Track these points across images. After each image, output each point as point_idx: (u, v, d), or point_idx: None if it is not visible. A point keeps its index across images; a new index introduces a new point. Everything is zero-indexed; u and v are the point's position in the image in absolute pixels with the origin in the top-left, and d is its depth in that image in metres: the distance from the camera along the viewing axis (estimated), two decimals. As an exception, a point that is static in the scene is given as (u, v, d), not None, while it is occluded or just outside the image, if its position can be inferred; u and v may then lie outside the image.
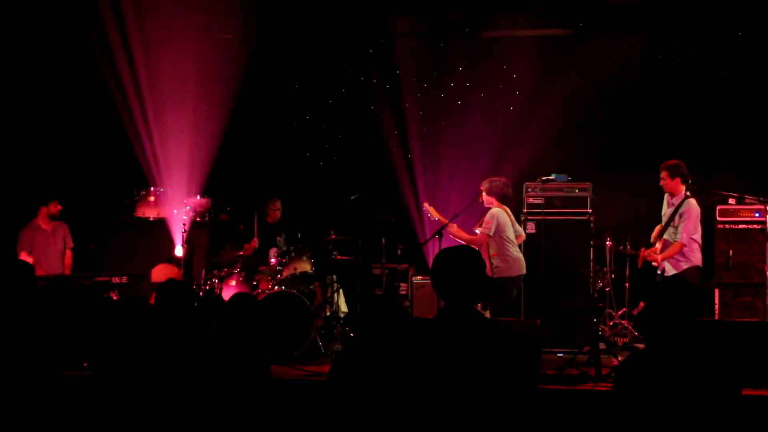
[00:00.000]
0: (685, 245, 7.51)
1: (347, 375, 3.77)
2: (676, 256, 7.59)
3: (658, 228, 7.84)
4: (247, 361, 4.16)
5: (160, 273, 6.34)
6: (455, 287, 3.45)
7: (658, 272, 7.78)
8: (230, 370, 4.11)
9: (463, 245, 3.63)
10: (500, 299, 8.03)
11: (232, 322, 4.26)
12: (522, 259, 8.12)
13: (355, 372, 3.70)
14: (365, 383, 3.62)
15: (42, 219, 8.97)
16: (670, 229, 7.65)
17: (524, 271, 8.12)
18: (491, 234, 7.90)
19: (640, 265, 7.85)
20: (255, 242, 9.23)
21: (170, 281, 4.71)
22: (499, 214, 8.00)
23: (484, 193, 8.08)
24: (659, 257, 7.60)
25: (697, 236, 7.62)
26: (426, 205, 8.33)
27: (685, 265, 7.57)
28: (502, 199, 8.06)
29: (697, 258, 7.62)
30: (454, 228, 8.08)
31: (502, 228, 7.95)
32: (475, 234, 8.11)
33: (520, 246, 8.17)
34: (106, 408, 4.17)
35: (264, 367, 4.27)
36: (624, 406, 3.50)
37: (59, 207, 8.99)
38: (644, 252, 7.79)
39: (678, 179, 7.61)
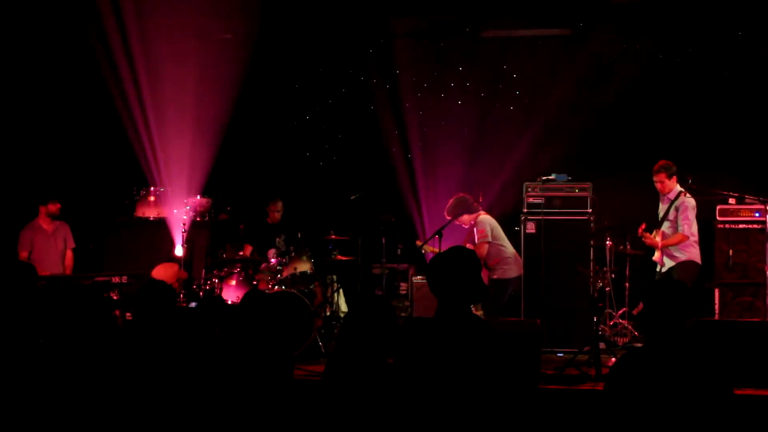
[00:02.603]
0: (687, 237, 7.59)
1: (342, 376, 3.76)
2: (673, 251, 7.66)
3: (641, 228, 7.88)
4: (265, 362, 4.12)
5: (160, 273, 6.32)
6: (451, 288, 3.48)
7: (657, 269, 7.82)
8: (247, 371, 4.08)
9: (457, 247, 3.68)
10: (497, 301, 8.09)
11: (246, 322, 4.23)
12: (520, 259, 8.21)
13: (349, 373, 3.70)
14: (360, 384, 3.62)
15: (43, 219, 8.95)
16: (666, 224, 7.74)
17: (522, 272, 8.21)
18: (490, 239, 8.00)
19: (640, 233, 7.85)
20: (247, 250, 9.15)
21: (150, 281, 4.72)
22: (488, 219, 8.13)
23: (455, 217, 8.13)
24: (660, 243, 7.66)
25: (695, 231, 7.70)
26: (418, 243, 8.63)
27: (682, 258, 7.64)
28: (476, 209, 8.15)
29: (692, 253, 7.70)
30: None
31: (496, 232, 8.09)
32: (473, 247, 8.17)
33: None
34: (106, 408, 4.18)
35: (285, 367, 4.23)
36: (616, 404, 3.51)
37: (58, 206, 8.96)
38: (642, 230, 7.80)
39: (674, 178, 7.82)
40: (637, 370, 3.51)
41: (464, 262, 3.53)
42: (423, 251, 8.47)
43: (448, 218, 8.18)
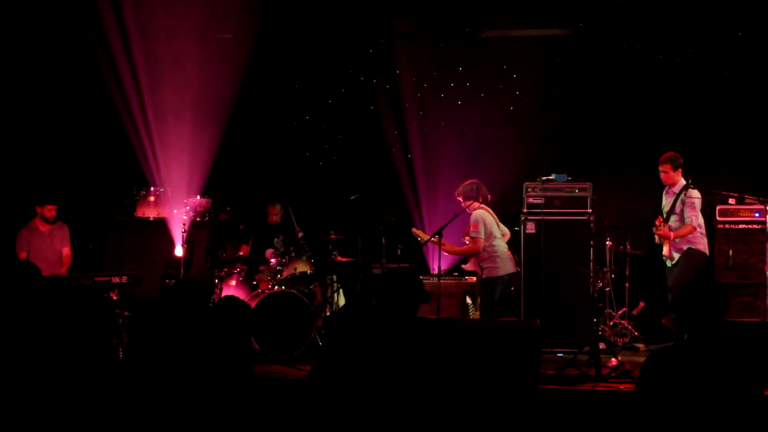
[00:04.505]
0: (695, 228, 7.62)
1: (321, 379, 3.83)
2: (683, 245, 7.67)
3: (659, 219, 7.85)
4: (229, 363, 4.13)
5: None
6: (397, 307, 3.94)
7: (668, 265, 7.82)
8: (212, 372, 4.09)
9: (402, 267, 4.11)
10: (488, 299, 8.12)
11: (220, 325, 4.24)
12: (511, 257, 8.24)
13: (327, 376, 3.79)
14: (335, 386, 3.71)
15: (39, 220, 8.92)
16: (673, 217, 7.74)
17: (514, 270, 8.26)
18: (483, 236, 8.03)
19: (656, 227, 7.79)
20: (246, 249, 9.18)
21: (186, 279, 4.73)
22: (483, 215, 8.14)
23: (461, 201, 8.23)
24: (672, 234, 7.66)
25: (701, 222, 7.72)
26: (414, 230, 8.64)
27: (688, 247, 7.66)
28: (482, 200, 8.19)
29: (700, 243, 7.71)
30: (447, 246, 8.26)
31: (489, 228, 8.10)
32: (466, 244, 8.25)
33: (507, 244, 8.33)
34: (106, 409, 4.17)
35: (247, 368, 4.25)
36: (648, 403, 3.53)
37: (53, 213, 8.87)
38: (660, 222, 7.77)
39: (679, 170, 7.84)
40: (672, 369, 3.55)
41: (409, 283, 4.00)
42: (419, 239, 8.50)
43: (459, 199, 8.28)
